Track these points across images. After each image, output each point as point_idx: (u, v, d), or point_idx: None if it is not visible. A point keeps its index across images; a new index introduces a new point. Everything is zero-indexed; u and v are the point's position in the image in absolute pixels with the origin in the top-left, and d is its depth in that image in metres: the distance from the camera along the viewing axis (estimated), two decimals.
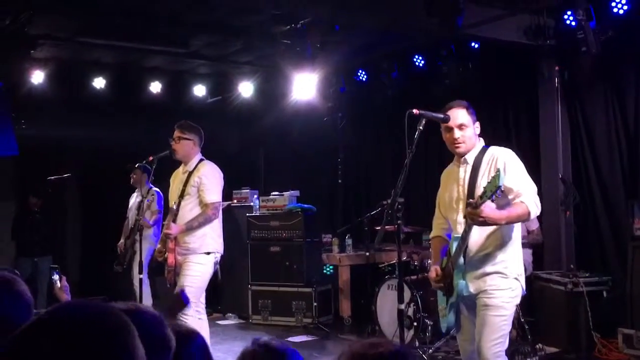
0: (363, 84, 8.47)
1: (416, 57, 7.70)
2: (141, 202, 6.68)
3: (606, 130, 6.54)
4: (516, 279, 3.57)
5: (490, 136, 7.75)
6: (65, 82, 8.15)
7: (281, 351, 1.78)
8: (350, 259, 8.05)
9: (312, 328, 7.67)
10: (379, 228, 4.52)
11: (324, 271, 8.20)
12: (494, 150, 3.68)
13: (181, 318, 4.90)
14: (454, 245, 3.61)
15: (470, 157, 3.69)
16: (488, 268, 3.55)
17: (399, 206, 3.73)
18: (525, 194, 3.43)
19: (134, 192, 7.72)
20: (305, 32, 6.65)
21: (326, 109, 8.78)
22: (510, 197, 3.45)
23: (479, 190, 3.42)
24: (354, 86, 8.56)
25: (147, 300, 6.89)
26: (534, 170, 5.75)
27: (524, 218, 3.46)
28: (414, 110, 3.62)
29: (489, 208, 3.26)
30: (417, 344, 6.24)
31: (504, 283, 3.54)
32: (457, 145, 3.67)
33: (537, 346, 5.64)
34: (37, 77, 7.68)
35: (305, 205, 8.24)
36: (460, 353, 3.88)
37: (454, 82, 7.38)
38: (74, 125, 8.31)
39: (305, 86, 7.84)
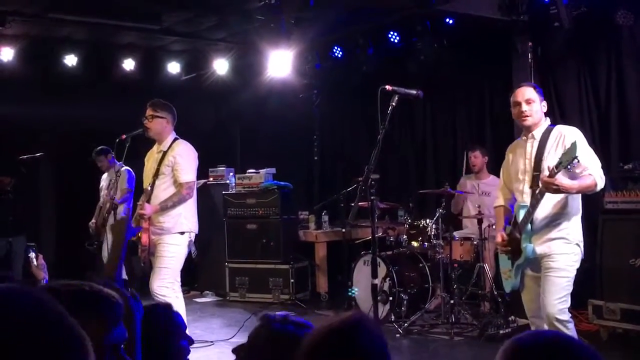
0: (338, 60, 8.44)
1: (391, 33, 7.67)
2: (112, 181, 6.66)
3: (578, 105, 6.61)
4: (577, 244, 3.95)
5: (467, 111, 7.93)
6: (36, 59, 8.00)
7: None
8: (326, 235, 8.09)
9: (289, 304, 7.73)
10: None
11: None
12: (561, 128, 4.02)
13: (159, 298, 4.91)
14: (521, 213, 3.98)
15: (538, 133, 4.02)
16: (553, 234, 3.91)
17: (373, 182, 3.76)
18: (592, 168, 3.80)
19: (106, 172, 7.74)
20: (279, 8, 6.59)
21: (302, 86, 8.74)
22: (578, 170, 3.75)
23: (546, 164, 3.83)
24: (329, 62, 8.52)
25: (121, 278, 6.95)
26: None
27: (592, 189, 3.82)
28: (387, 87, 3.66)
29: (562, 177, 3.64)
30: (392, 318, 6.32)
31: (566, 248, 3.90)
32: (524, 117, 4.00)
33: (510, 318, 5.74)
34: (7, 54, 7.54)
35: (282, 183, 8.24)
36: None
37: (429, 58, 7.39)
38: (46, 103, 8.16)
39: (280, 63, 7.77)
